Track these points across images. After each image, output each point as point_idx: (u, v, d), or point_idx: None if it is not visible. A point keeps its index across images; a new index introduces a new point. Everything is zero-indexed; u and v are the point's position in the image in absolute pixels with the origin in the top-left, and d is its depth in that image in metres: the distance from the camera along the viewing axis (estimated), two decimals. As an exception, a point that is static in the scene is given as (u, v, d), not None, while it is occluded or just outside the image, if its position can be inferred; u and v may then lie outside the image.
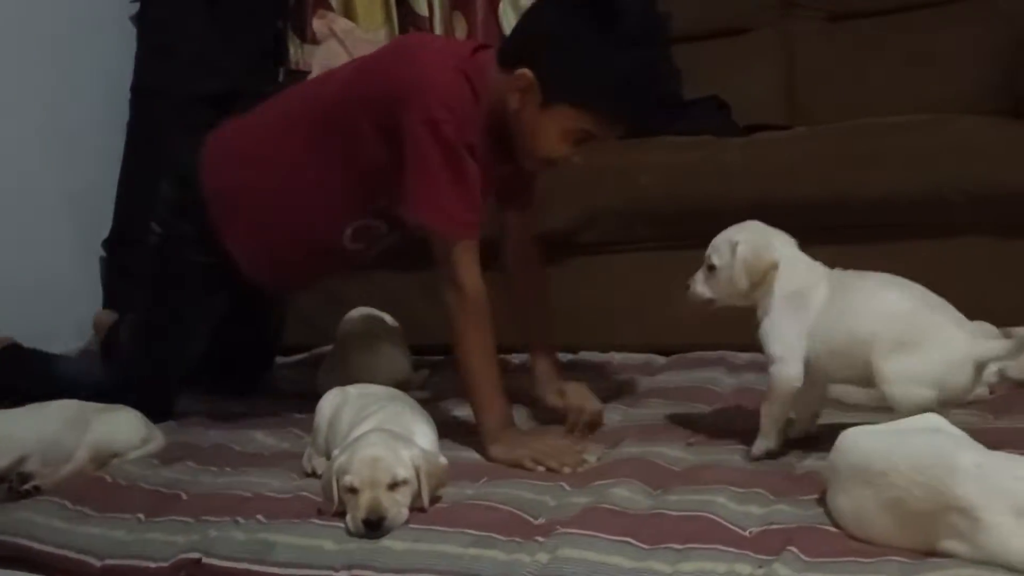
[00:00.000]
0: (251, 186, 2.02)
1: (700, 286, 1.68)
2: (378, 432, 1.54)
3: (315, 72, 3.10)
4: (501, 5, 3.24)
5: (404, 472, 1.47)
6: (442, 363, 2.40)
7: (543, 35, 1.77)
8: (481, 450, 1.76)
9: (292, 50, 3.36)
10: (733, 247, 1.63)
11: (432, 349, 2.44)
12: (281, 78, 3.36)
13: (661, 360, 2.36)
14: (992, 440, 1.48)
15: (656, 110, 1.88)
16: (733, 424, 1.80)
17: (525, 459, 1.68)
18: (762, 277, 1.62)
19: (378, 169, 1.87)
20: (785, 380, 1.59)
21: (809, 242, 2.25)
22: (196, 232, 2.05)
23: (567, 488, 1.57)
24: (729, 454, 1.67)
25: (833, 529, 1.33)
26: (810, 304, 1.59)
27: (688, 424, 1.86)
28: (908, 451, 1.27)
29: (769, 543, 1.30)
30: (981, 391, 1.83)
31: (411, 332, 2.38)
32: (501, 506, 1.50)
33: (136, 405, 1.99)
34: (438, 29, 3.26)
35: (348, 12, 3.33)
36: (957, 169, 2.16)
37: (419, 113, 1.77)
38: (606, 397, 2.00)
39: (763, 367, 1.67)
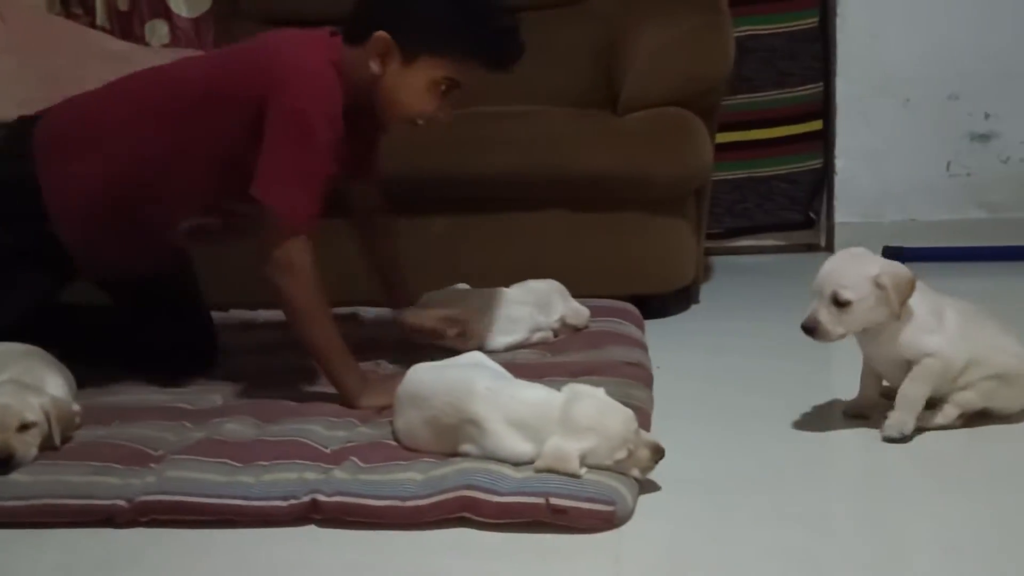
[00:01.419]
0: (86, 171, 1.94)
1: (833, 325, 1.71)
2: (10, 382, 1.73)
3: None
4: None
5: (32, 416, 1.67)
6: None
7: None
8: (350, 406, 1.87)
9: (-57, 9, 3.31)
10: (873, 280, 1.69)
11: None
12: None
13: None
14: (537, 373, 1.91)
15: (505, 41, 1.88)
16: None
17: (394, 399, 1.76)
18: (909, 296, 1.71)
19: (236, 164, 1.86)
20: (946, 364, 1.73)
21: (428, 213, 2.61)
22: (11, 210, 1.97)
23: (188, 425, 1.83)
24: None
25: (393, 443, 1.69)
26: (946, 324, 1.74)
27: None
28: (444, 380, 1.65)
29: (341, 457, 1.63)
30: (545, 335, 2.28)
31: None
32: (126, 443, 1.73)
33: None
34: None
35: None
36: (543, 154, 2.58)
37: (287, 100, 1.80)
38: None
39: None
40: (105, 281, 2.18)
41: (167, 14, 3.37)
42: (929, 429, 1.77)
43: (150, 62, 2.97)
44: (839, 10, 3.35)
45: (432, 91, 1.89)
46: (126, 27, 3.36)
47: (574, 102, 2.88)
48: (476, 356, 1.76)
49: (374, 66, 1.87)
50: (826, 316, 1.71)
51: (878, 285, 1.69)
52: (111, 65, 2.96)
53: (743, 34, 3.33)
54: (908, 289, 1.72)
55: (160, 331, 2.16)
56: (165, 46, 3.35)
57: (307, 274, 1.84)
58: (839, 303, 1.70)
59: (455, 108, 1.98)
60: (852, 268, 1.72)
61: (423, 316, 2.16)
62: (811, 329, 1.71)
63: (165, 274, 2.18)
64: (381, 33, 1.85)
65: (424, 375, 1.70)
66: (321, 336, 1.88)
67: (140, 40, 3.35)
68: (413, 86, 1.87)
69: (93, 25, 3.31)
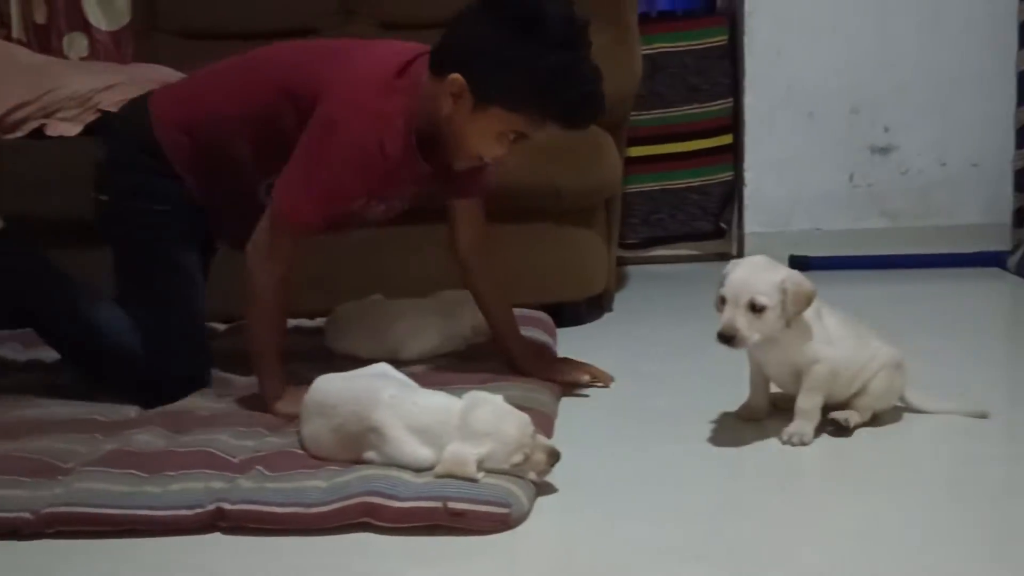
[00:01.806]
0: (196, 122, 2.04)
1: (750, 331, 1.76)
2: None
3: None
4: (86, -8, 3.37)
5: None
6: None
7: (471, 41, 1.86)
8: (264, 408, 1.94)
9: None
10: (779, 285, 1.76)
11: None
12: None
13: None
14: (447, 381, 1.97)
15: (585, 106, 1.89)
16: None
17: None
18: (805, 307, 1.79)
19: (288, 147, 1.91)
20: (833, 370, 1.82)
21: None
22: (145, 178, 2.04)
23: (99, 437, 1.86)
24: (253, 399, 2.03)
25: (300, 452, 1.74)
26: (830, 331, 1.84)
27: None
28: (351, 390, 1.70)
29: (247, 466, 1.67)
30: (457, 344, 2.34)
31: None
32: (35, 456, 1.75)
33: (181, 371, 2.06)
34: (15, 11, 3.32)
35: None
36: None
37: (326, 107, 1.86)
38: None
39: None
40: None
41: (85, 27, 3.37)
42: (849, 431, 1.86)
43: (66, 73, 3.01)
44: (746, 28, 3.48)
45: (501, 140, 1.91)
46: (44, 40, 3.36)
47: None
48: (382, 367, 1.82)
49: (445, 105, 1.88)
50: (743, 323, 1.76)
51: (782, 291, 1.77)
52: (28, 77, 2.98)
53: (655, 51, 3.44)
54: (806, 301, 1.80)
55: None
56: (83, 59, 3.34)
57: (281, 271, 1.90)
58: (755, 309, 1.76)
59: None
60: (765, 275, 1.78)
61: (570, 374, 2.16)
62: (729, 337, 1.76)
63: None
64: (456, 76, 1.86)
65: (331, 385, 1.75)
66: (265, 333, 1.94)
67: (58, 53, 3.34)
68: (483, 132, 1.90)
69: (9, 38, 3.30)
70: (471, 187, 2.15)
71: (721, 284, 1.82)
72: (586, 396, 2.15)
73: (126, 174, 2.09)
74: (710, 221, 3.64)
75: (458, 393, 1.67)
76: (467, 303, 2.37)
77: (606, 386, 2.16)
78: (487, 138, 1.90)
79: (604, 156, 2.70)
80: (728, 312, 1.79)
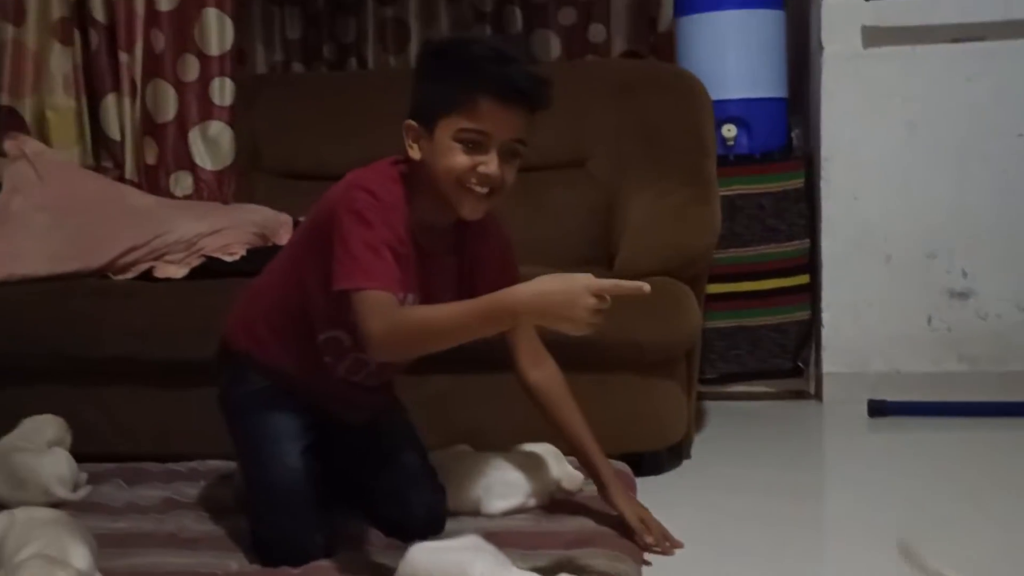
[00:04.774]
0: (263, 293, 2.19)
1: None
2: (37, 557, 1.85)
3: (4, 186, 3.29)
4: (191, 133, 3.59)
5: (59, 594, 1.80)
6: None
7: (414, 93, 1.99)
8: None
9: (-18, 161, 3.51)
10: None
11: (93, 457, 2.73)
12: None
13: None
14: (531, 543, 2.04)
15: (512, 71, 1.91)
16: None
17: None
18: None
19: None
20: None
21: (425, 372, 2.71)
22: (232, 374, 2.22)
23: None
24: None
25: (393, 622, 1.81)
26: None
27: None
28: (441, 563, 1.77)
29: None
30: (540, 500, 2.40)
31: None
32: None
33: (272, 533, 2.11)
34: (128, 153, 3.54)
35: (41, 131, 3.54)
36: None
37: (344, 207, 1.91)
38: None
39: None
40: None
41: (192, 167, 3.57)
42: None
43: (173, 217, 3.21)
44: (823, 174, 3.56)
45: (457, 150, 1.92)
46: (152, 179, 3.56)
47: (575, 260, 3.03)
48: (474, 539, 1.88)
49: (413, 154, 1.97)
50: None
51: None
52: (135, 220, 3.19)
53: (733, 193, 3.54)
54: None
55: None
56: (188, 196, 3.55)
57: (382, 331, 1.84)
58: None
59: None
60: None
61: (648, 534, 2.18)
62: None
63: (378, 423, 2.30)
64: (407, 122, 1.97)
65: (420, 557, 1.82)
66: (441, 320, 1.83)
67: (165, 191, 3.55)
68: (439, 149, 1.93)
69: (122, 178, 3.52)
70: (491, 265, 2.14)
71: None
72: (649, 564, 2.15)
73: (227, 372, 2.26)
74: (787, 360, 3.68)
75: (545, 559, 1.73)
76: (551, 457, 2.45)
77: (670, 554, 2.17)
78: (447, 155, 1.91)
79: (685, 309, 2.78)
80: None
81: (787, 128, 3.69)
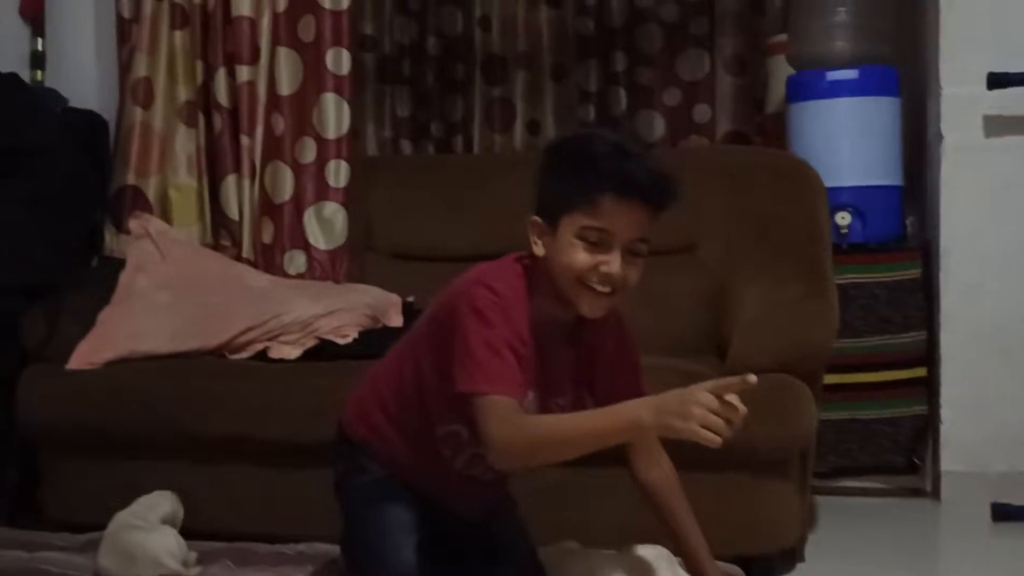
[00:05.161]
0: (382, 382, 2.19)
1: None
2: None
3: (129, 263, 3.41)
4: (306, 213, 3.68)
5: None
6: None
7: (538, 188, 2.01)
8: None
9: (108, 238, 3.65)
10: None
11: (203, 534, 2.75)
12: (95, 264, 3.65)
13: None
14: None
15: (635, 166, 1.92)
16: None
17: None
18: None
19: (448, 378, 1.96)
20: None
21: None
22: (349, 463, 2.24)
23: None
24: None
25: None
26: None
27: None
28: None
29: None
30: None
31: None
32: None
33: None
34: (246, 232, 3.64)
35: (164, 210, 3.68)
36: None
37: (466, 304, 1.93)
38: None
39: None
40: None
41: (305, 246, 3.66)
42: None
43: (289, 298, 3.28)
44: (943, 265, 3.46)
45: (577, 248, 1.93)
46: (268, 258, 3.65)
47: (685, 348, 3.01)
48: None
49: (536, 250, 1.98)
50: None
51: None
52: (253, 300, 3.27)
53: (846, 282, 3.46)
54: None
55: None
56: (301, 275, 3.62)
57: (504, 440, 1.85)
58: None
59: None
60: None
61: None
62: None
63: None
64: (531, 218, 1.99)
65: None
66: (565, 432, 1.87)
67: (280, 269, 3.63)
68: (561, 247, 1.94)
69: (239, 257, 3.62)
70: (608, 359, 2.13)
71: None
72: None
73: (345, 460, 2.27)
74: (901, 455, 3.55)
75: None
76: (664, 562, 2.39)
77: None
78: (568, 252, 1.92)
79: (800, 408, 2.70)
80: None
81: (902, 217, 3.61)
